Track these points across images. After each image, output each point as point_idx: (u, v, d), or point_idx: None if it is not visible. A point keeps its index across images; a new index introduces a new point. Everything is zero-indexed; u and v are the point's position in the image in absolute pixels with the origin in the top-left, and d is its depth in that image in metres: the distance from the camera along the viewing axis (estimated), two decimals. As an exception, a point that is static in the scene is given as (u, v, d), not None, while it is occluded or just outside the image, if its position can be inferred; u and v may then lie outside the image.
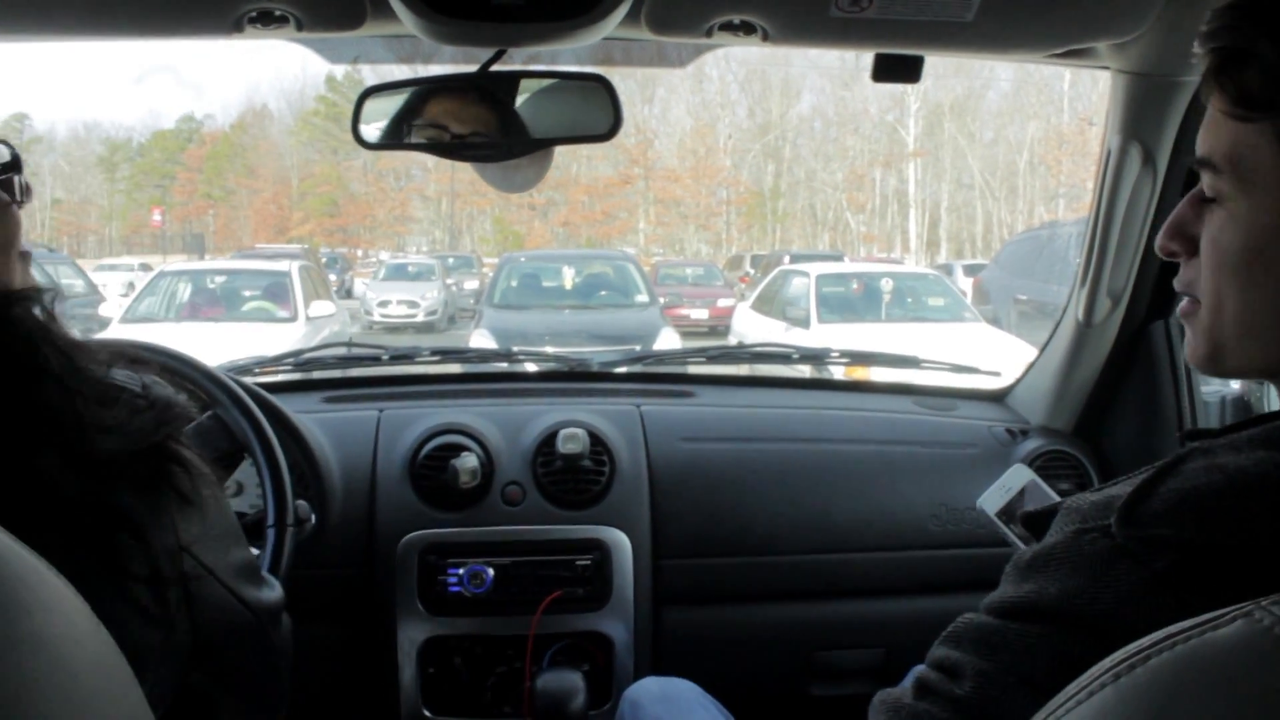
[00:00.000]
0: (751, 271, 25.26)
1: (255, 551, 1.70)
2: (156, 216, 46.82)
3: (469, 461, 2.34)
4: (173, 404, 1.07)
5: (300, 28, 1.74)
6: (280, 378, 2.75)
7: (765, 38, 1.79)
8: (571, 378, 2.90)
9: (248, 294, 12.69)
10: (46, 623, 0.64)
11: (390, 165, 45.39)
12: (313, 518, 2.04)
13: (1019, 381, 2.76)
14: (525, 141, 1.86)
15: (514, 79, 1.85)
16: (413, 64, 2.44)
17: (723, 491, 2.44)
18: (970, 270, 21.95)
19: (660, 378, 2.90)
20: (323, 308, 12.37)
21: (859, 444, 2.56)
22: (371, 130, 1.89)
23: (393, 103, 1.89)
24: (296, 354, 2.83)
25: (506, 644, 2.35)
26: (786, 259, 21.59)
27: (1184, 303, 1.06)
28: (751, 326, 13.40)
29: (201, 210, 50.27)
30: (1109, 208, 2.24)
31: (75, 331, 1.05)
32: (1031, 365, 2.70)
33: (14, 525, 0.67)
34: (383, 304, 20.16)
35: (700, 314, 19.37)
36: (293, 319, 11.81)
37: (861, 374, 3.75)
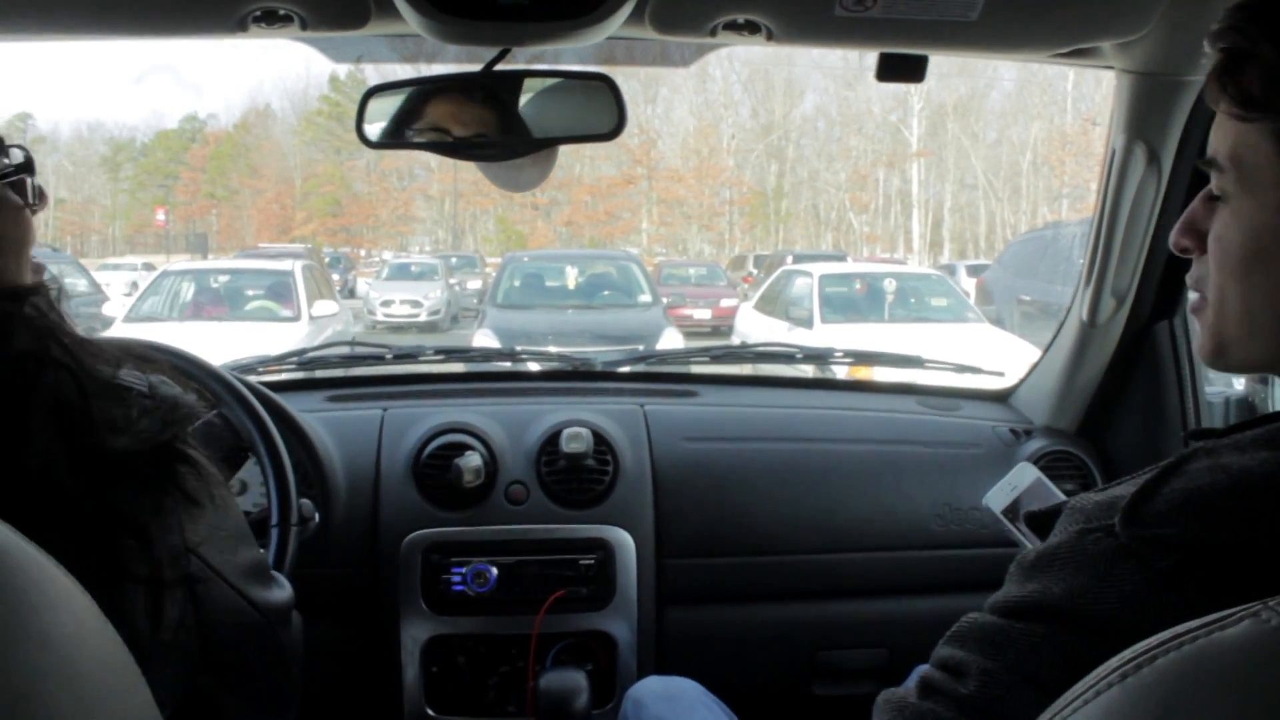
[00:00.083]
0: (754, 272, 25.27)
1: (260, 550, 1.70)
2: (160, 216, 46.92)
3: (473, 460, 2.34)
4: (180, 404, 1.06)
5: (305, 27, 1.74)
6: (284, 376, 2.75)
7: (769, 37, 1.79)
8: (575, 377, 2.90)
9: (251, 293, 12.71)
10: (54, 621, 0.64)
11: (394, 165, 45.50)
12: (316, 516, 2.05)
13: (1023, 381, 2.76)
14: (529, 141, 1.86)
15: (518, 78, 1.85)
16: (416, 63, 2.44)
17: (726, 491, 2.44)
18: (973, 271, 21.98)
19: (664, 377, 2.90)
20: (326, 307, 12.38)
21: (862, 444, 2.56)
22: (376, 129, 1.89)
23: (397, 102, 1.89)
24: (300, 353, 2.83)
25: (510, 643, 2.35)
26: (789, 259, 21.60)
27: (1194, 299, 1.06)
28: (754, 327, 13.40)
29: (205, 210, 50.34)
30: (1114, 208, 2.24)
31: (88, 333, 1.05)
32: (1035, 365, 2.70)
33: (18, 521, 0.67)
34: (386, 304, 20.17)
35: (703, 314, 19.37)
36: (296, 318, 11.82)
37: (865, 374, 3.75)
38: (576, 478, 2.40)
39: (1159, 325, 2.35)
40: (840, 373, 3.99)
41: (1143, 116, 2.12)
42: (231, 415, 1.92)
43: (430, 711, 2.34)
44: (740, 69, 45.56)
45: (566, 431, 2.40)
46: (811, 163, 46.59)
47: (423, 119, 1.86)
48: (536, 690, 2.19)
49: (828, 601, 2.50)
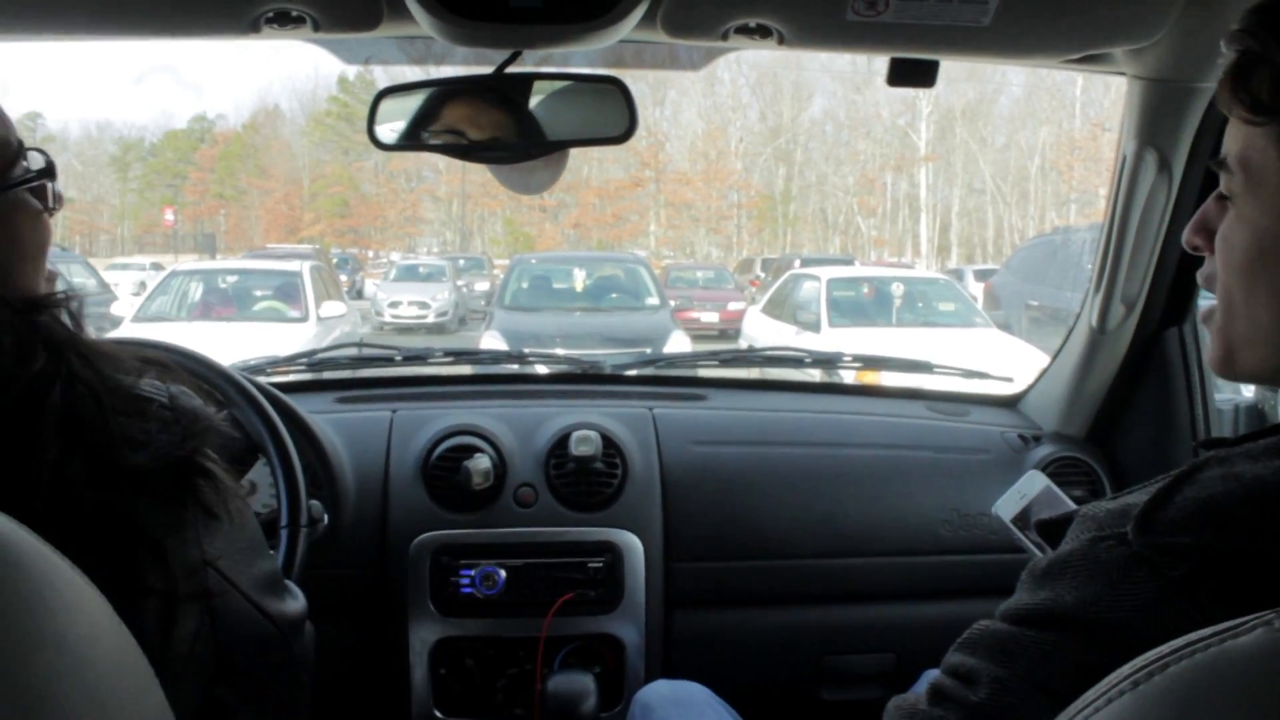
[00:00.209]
0: (762, 275, 25.26)
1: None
2: (168, 216, 46.98)
3: (481, 463, 2.35)
4: (200, 416, 1.06)
5: (317, 28, 1.74)
6: (293, 378, 2.76)
7: (781, 41, 1.79)
8: (584, 380, 2.90)
9: (259, 294, 12.71)
10: (70, 622, 0.64)
11: (401, 166, 45.53)
12: (326, 518, 2.05)
13: (1032, 387, 2.75)
14: (541, 143, 1.86)
15: (528, 81, 1.85)
16: (425, 65, 2.45)
17: (734, 495, 2.44)
18: (981, 275, 21.94)
19: (672, 381, 2.89)
20: (334, 308, 12.39)
21: (871, 448, 2.56)
22: (387, 131, 1.89)
23: (408, 104, 1.89)
24: (309, 354, 2.83)
25: (518, 645, 2.35)
26: (797, 263, 21.60)
27: (1204, 308, 1.07)
28: (762, 330, 13.38)
29: (213, 210, 50.44)
30: (1124, 213, 2.23)
31: (98, 334, 1.05)
32: (1045, 371, 2.70)
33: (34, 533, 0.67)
34: (393, 305, 20.17)
35: (711, 317, 19.36)
36: (304, 319, 11.83)
37: (873, 378, 3.74)
38: (585, 481, 2.40)
39: (1169, 332, 2.34)
40: (848, 377, 3.97)
41: (1154, 123, 2.12)
42: (241, 416, 1.92)
43: (438, 713, 2.34)
44: (749, 72, 45.60)
45: (575, 434, 2.40)
46: (819, 166, 46.57)
47: (438, 121, 1.86)
48: (544, 693, 2.19)
49: (835, 606, 2.50)
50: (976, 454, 2.56)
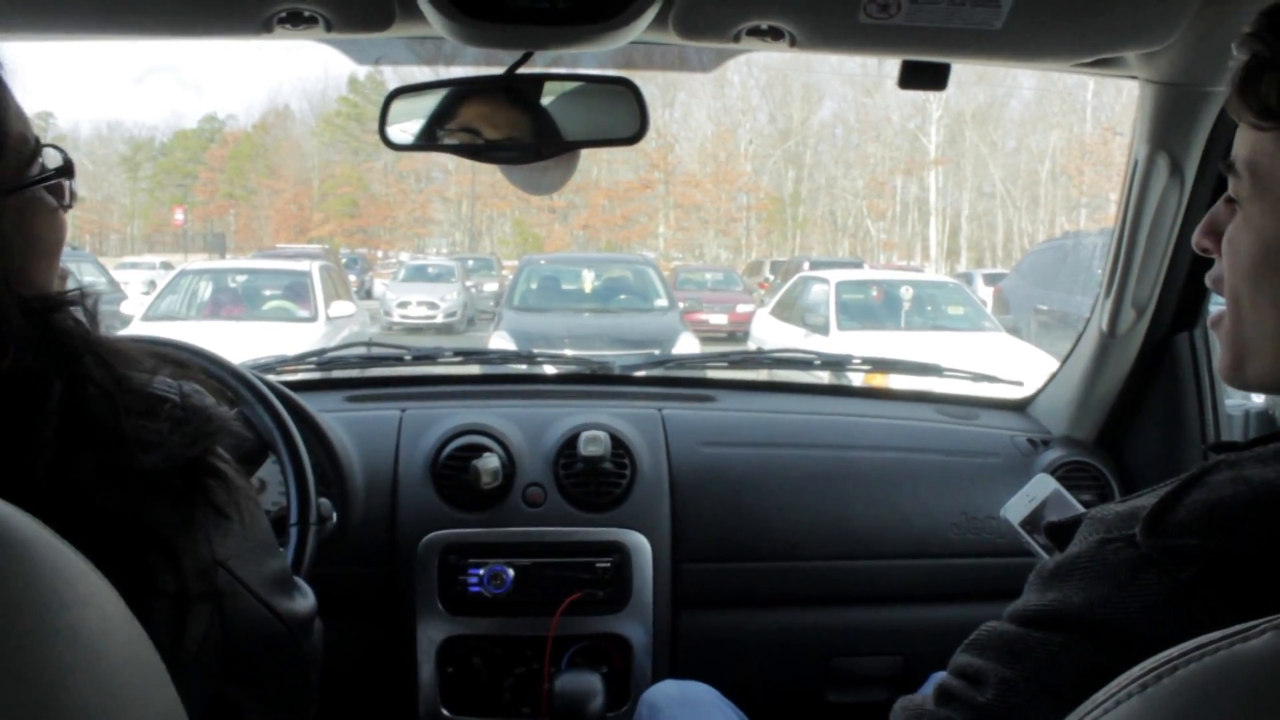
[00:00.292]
0: (771, 277, 25.24)
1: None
2: (178, 215, 47.13)
3: (490, 462, 2.35)
4: (212, 416, 1.05)
5: (329, 29, 1.74)
6: (303, 376, 2.76)
7: (793, 43, 1.79)
8: (593, 380, 2.91)
9: (268, 293, 12.73)
10: (83, 617, 0.64)
11: (411, 167, 45.64)
12: (335, 516, 2.05)
13: (1041, 391, 2.75)
14: (552, 144, 1.86)
15: (540, 82, 1.86)
16: (435, 65, 2.45)
17: (743, 496, 2.44)
18: (990, 279, 21.89)
19: (681, 382, 2.89)
20: (343, 308, 12.41)
21: (880, 451, 2.55)
22: (398, 131, 1.89)
23: (419, 104, 1.89)
24: (319, 353, 2.84)
25: (525, 645, 2.35)
26: (806, 265, 21.57)
27: (1214, 313, 1.07)
28: (771, 332, 13.38)
29: (223, 210, 50.58)
30: (1135, 218, 2.23)
31: (115, 331, 1.05)
32: (1054, 375, 2.69)
33: None
34: (402, 305, 20.19)
35: (719, 319, 19.36)
36: (313, 319, 11.85)
37: (882, 381, 3.75)
38: (594, 481, 2.41)
39: (1179, 336, 2.34)
40: (857, 380, 3.97)
41: (1166, 127, 2.12)
42: (252, 414, 1.92)
43: (445, 712, 2.35)
44: (759, 74, 45.63)
45: (584, 434, 2.40)
46: (829, 169, 46.59)
47: (451, 123, 1.86)
48: (551, 692, 2.19)
49: (843, 608, 2.49)
50: (985, 457, 2.55)
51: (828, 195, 46.41)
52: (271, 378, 2.19)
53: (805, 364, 3.12)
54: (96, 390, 0.95)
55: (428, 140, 1.90)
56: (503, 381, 2.96)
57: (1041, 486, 1.82)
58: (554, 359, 3.23)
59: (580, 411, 2.53)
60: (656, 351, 10.62)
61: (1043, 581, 0.99)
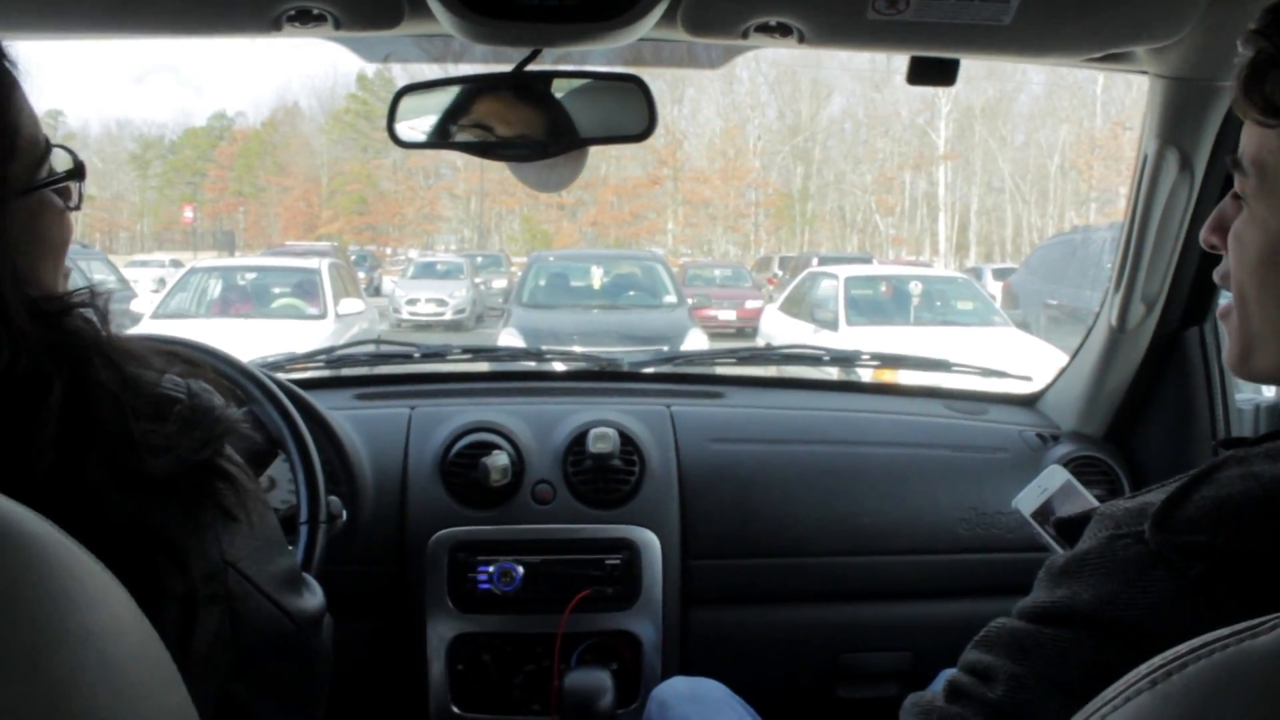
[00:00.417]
0: (780, 273, 25.24)
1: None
2: (188, 213, 47.18)
3: (500, 460, 2.35)
4: (220, 417, 1.05)
5: (338, 26, 1.75)
6: (312, 374, 2.76)
7: (801, 39, 1.79)
8: (602, 377, 2.91)
9: (277, 291, 12.75)
10: (94, 616, 0.65)
11: (419, 164, 45.64)
12: (344, 514, 2.05)
13: (1050, 386, 2.75)
14: (561, 141, 1.86)
15: (548, 79, 1.86)
16: (443, 63, 2.45)
17: (752, 493, 2.44)
18: (1000, 274, 21.85)
19: (690, 378, 2.89)
20: (352, 305, 12.42)
21: (889, 447, 2.55)
22: (406, 129, 1.89)
23: (428, 102, 1.90)
24: (328, 351, 2.85)
25: (535, 642, 2.35)
26: (815, 261, 21.55)
27: (1223, 305, 1.07)
28: (780, 328, 13.37)
29: (232, 207, 50.66)
30: (1145, 213, 2.22)
31: (125, 330, 1.04)
32: (1063, 370, 2.69)
33: None
34: (411, 302, 20.21)
35: (728, 315, 19.33)
36: (322, 316, 11.86)
37: (891, 377, 3.74)
38: (603, 478, 2.41)
39: (1189, 331, 2.34)
40: (866, 375, 3.97)
41: (1176, 122, 2.11)
42: (261, 413, 1.93)
43: (455, 709, 2.35)
44: (767, 70, 45.56)
45: (593, 431, 2.41)
46: (838, 165, 46.52)
47: (463, 118, 1.86)
48: (561, 689, 2.19)
49: (852, 604, 2.49)
50: (995, 453, 2.55)
51: (836, 191, 46.34)
52: (281, 376, 2.20)
53: (814, 360, 3.12)
54: (103, 393, 0.95)
55: (437, 138, 1.90)
56: (511, 379, 2.96)
57: (1053, 478, 1.81)
58: (563, 356, 3.23)
59: (589, 408, 2.54)
60: (665, 348, 10.62)
61: (1052, 578, 0.99)
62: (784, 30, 1.76)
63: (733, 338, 17.65)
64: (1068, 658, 0.94)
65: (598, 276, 14.70)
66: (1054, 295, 15.07)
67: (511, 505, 2.38)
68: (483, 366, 3.28)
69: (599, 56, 2.29)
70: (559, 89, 1.86)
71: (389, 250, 43.66)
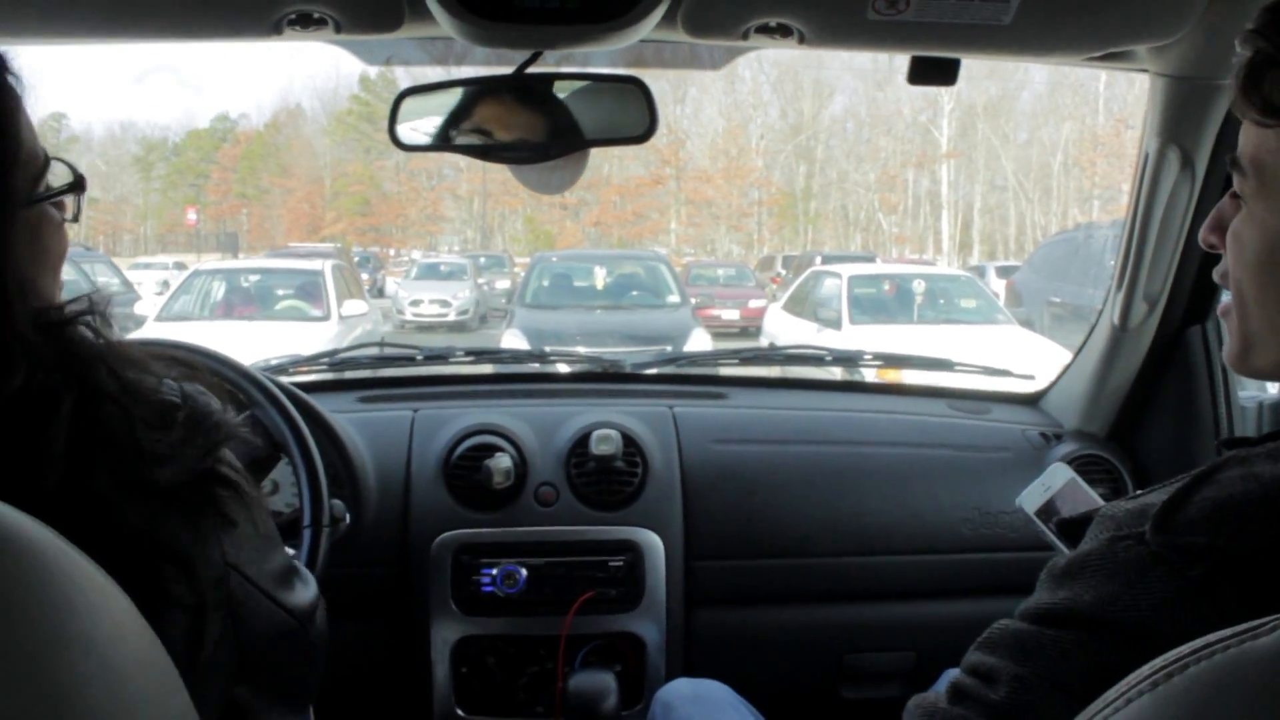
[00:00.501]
0: (783, 272, 25.21)
1: (291, 551, 1.71)
2: (191, 215, 47.23)
3: (502, 462, 2.35)
4: (221, 423, 1.06)
5: (339, 30, 1.75)
6: (315, 377, 2.76)
7: (801, 40, 1.79)
8: (604, 379, 2.91)
9: (281, 293, 12.75)
10: (95, 623, 0.65)
11: (422, 165, 45.59)
12: (348, 517, 2.06)
13: (1053, 385, 2.75)
14: (562, 144, 1.86)
15: (549, 80, 1.86)
16: (446, 65, 2.45)
17: (755, 493, 2.44)
18: (1003, 272, 21.83)
19: (693, 379, 2.89)
20: (355, 306, 12.41)
21: (892, 447, 2.55)
22: (408, 131, 1.89)
23: (429, 104, 1.89)
24: (331, 354, 2.85)
25: (539, 644, 2.36)
26: (818, 260, 21.50)
27: (1223, 303, 1.07)
28: (783, 327, 13.37)
29: (235, 209, 50.66)
30: (1146, 211, 2.22)
31: (128, 333, 1.05)
32: (1066, 369, 2.69)
33: None
34: (415, 303, 20.21)
35: (732, 315, 19.33)
36: (325, 318, 11.86)
37: (894, 376, 3.73)
38: (606, 479, 2.41)
39: (1191, 329, 2.34)
40: (869, 375, 3.97)
41: (1177, 120, 2.11)
42: (264, 417, 1.93)
43: (460, 711, 2.35)
44: (770, 69, 45.49)
45: (596, 433, 2.41)
46: (840, 163, 46.45)
47: (464, 121, 1.86)
48: (565, 691, 2.19)
49: (856, 604, 2.50)
50: (998, 452, 2.55)
51: (839, 190, 46.29)
52: (284, 379, 2.20)
53: (816, 360, 3.12)
54: (111, 403, 0.95)
55: (438, 141, 1.90)
56: (514, 381, 2.96)
57: (1056, 476, 1.81)
58: (565, 357, 3.23)
59: (592, 410, 2.54)
60: (669, 347, 10.63)
61: (1054, 579, 1.00)
62: (784, 31, 1.76)
63: (736, 337, 17.64)
64: (1070, 659, 0.94)
65: (601, 277, 14.70)
66: (1057, 293, 15.07)
67: (515, 507, 2.38)
68: (485, 369, 3.28)
69: (601, 58, 2.29)
70: (560, 91, 1.86)
71: (392, 251, 43.69)
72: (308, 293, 12.49)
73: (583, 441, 2.42)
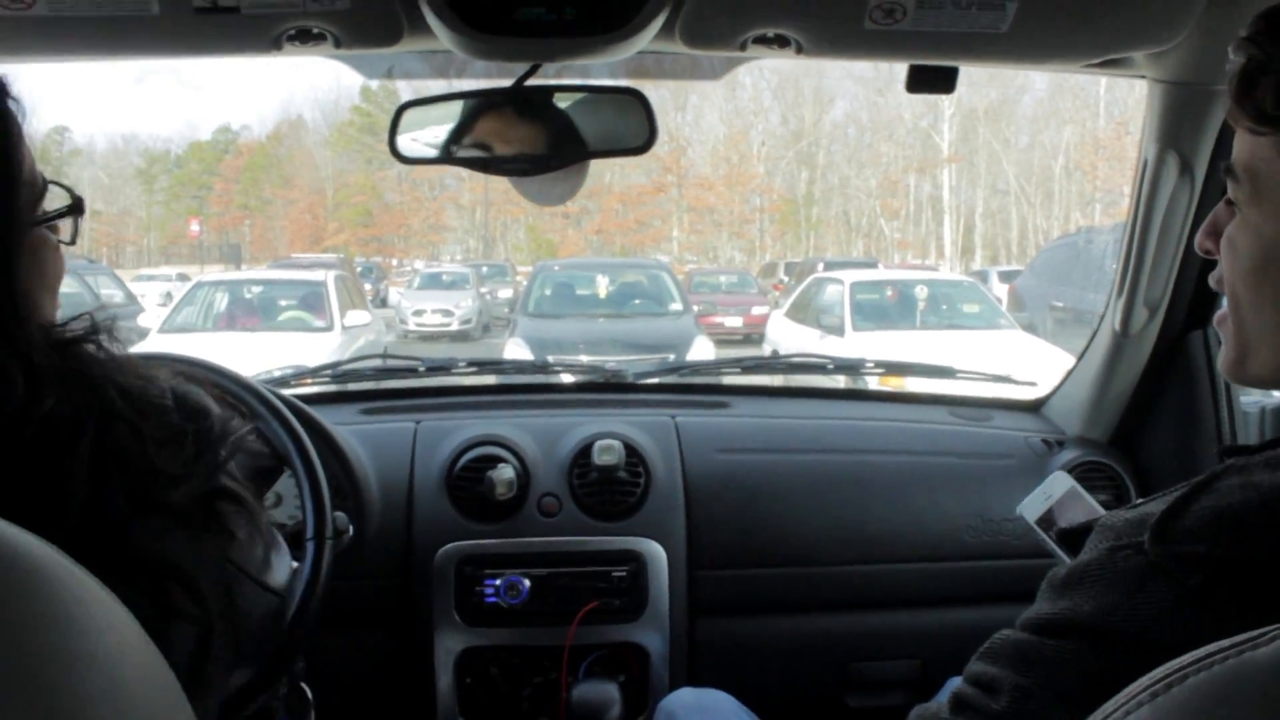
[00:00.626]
0: (785, 279, 25.20)
1: (295, 564, 1.71)
2: (194, 227, 47.34)
3: (505, 473, 2.35)
4: (227, 435, 1.07)
5: (339, 45, 1.75)
6: (318, 389, 2.77)
7: (799, 50, 1.79)
8: (607, 389, 2.91)
9: (284, 304, 12.78)
10: (100, 642, 0.65)
11: (424, 175, 45.67)
12: (351, 529, 2.05)
13: (1055, 392, 2.74)
14: (562, 155, 1.87)
15: (548, 92, 1.86)
16: (446, 77, 2.45)
17: (758, 503, 2.44)
18: (1006, 277, 21.83)
19: (695, 389, 2.90)
20: (358, 317, 12.42)
21: (895, 455, 2.55)
22: (408, 143, 1.90)
23: (430, 116, 1.90)
24: (334, 366, 2.85)
25: (543, 655, 2.35)
26: (820, 266, 21.51)
27: (1219, 312, 1.07)
28: (786, 334, 13.35)
29: (238, 220, 50.79)
30: (1146, 217, 2.22)
31: (132, 344, 1.06)
32: (1068, 375, 2.69)
33: None
34: (417, 313, 20.24)
35: (734, 322, 19.35)
36: (328, 328, 11.87)
37: (897, 384, 3.74)
38: (608, 490, 2.41)
39: (1192, 335, 2.33)
40: (872, 383, 3.97)
41: (1175, 126, 2.11)
42: (266, 429, 1.93)
43: (464, 722, 2.35)
44: (770, 77, 45.59)
45: (598, 444, 2.40)
46: (842, 169, 46.53)
47: (463, 135, 1.87)
48: (569, 701, 2.19)
49: (860, 613, 2.49)
50: (1000, 459, 2.55)
51: (841, 195, 46.35)
52: (286, 392, 2.21)
53: (819, 368, 3.12)
54: (123, 424, 0.96)
55: (439, 153, 1.91)
56: (516, 392, 2.96)
57: (1057, 484, 1.81)
58: (568, 367, 3.23)
59: (594, 420, 2.54)
60: (672, 355, 10.61)
61: (1054, 589, 1.00)
62: (782, 42, 1.76)
63: (739, 344, 17.66)
64: (1070, 668, 0.94)
65: (603, 285, 14.71)
66: (1060, 297, 15.07)
67: (518, 518, 2.38)
68: (488, 379, 3.28)
69: (601, 70, 2.30)
70: (560, 103, 1.87)
71: (394, 261, 43.78)
72: (311, 303, 12.51)
73: (585, 452, 2.42)
